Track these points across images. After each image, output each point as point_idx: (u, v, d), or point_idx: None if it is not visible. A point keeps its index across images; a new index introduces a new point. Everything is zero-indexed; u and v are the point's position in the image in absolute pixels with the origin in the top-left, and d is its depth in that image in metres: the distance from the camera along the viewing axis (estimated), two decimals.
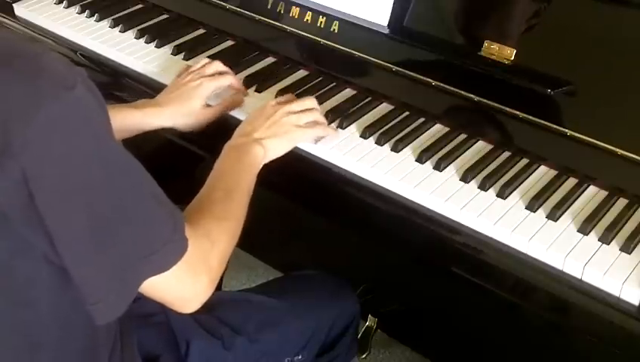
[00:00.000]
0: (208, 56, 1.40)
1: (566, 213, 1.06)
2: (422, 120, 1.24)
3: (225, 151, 1.10)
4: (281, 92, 1.29)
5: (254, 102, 1.27)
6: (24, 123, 0.68)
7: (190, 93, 1.22)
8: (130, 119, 1.18)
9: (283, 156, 1.20)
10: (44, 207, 0.72)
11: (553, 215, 1.05)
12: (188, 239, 0.84)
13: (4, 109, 0.69)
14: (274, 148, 1.13)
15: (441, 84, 1.22)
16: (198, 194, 1.01)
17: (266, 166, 1.21)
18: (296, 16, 1.38)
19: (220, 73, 1.28)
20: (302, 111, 1.17)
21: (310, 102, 1.20)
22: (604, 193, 1.10)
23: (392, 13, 1.29)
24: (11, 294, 0.80)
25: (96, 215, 0.75)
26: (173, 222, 0.82)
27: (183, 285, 0.87)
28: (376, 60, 1.29)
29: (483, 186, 1.10)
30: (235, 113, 1.26)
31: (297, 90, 1.30)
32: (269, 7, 1.41)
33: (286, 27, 1.39)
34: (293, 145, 1.16)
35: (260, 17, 1.43)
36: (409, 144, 1.19)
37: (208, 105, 1.24)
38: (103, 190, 0.75)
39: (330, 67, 1.34)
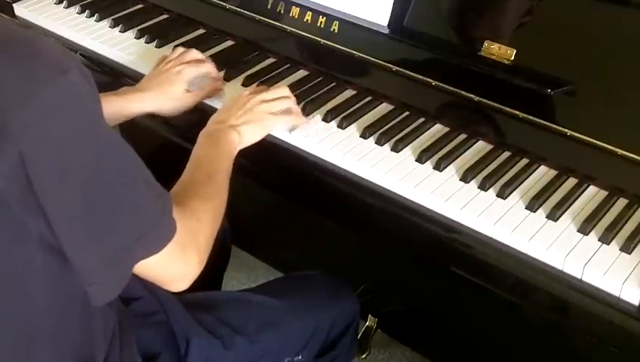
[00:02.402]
0: (208, 57, 1.40)
1: (566, 213, 1.06)
2: (422, 120, 1.24)
3: (201, 138, 1.12)
4: None
5: None
6: (21, 107, 0.70)
7: (172, 78, 1.25)
8: (114, 106, 1.20)
9: (282, 155, 1.20)
10: (41, 190, 0.73)
11: (553, 215, 1.05)
12: (176, 220, 0.86)
13: (1, 94, 0.70)
14: (248, 135, 1.15)
15: (441, 84, 1.22)
16: (180, 179, 1.03)
17: (266, 166, 1.21)
18: (296, 16, 1.38)
19: (198, 60, 1.30)
20: (275, 99, 1.20)
21: (282, 90, 1.23)
22: (604, 193, 1.10)
23: (392, 13, 1.29)
24: (8, 283, 0.81)
25: (90, 198, 0.76)
26: (162, 204, 0.85)
27: (174, 264, 0.89)
28: (376, 60, 1.29)
29: (483, 186, 1.10)
30: (218, 105, 1.27)
31: (298, 90, 1.30)
32: (269, 7, 1.41)
33: (286, 27, 1.39)
34: (267, 131, 1.19)
35: (260, 17, 1.43)
36: (409, 144, 1.19)
37: (189, 92, 1.27)
38: (97, 173, 0.76)
39: (330, 67, 1.34)
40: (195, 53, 1.31)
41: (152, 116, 1.32)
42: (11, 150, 0.70)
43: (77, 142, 0.74)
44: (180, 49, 1.33)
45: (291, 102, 1.22)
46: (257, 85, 1.32)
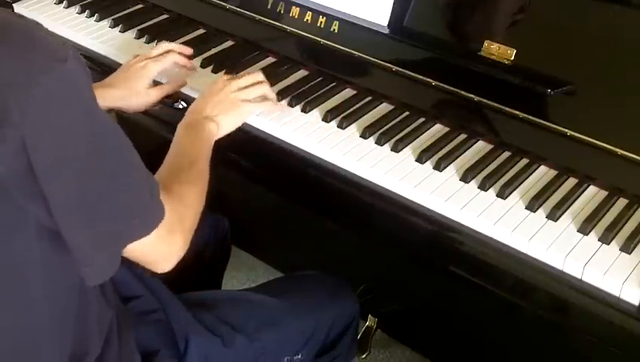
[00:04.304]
0: (208, 56, 1.41)
1: (566, 213, 1.06)
2: (422, 120, 1.24)
3: (180, 129, 1.14)
4: (281, 92, 1.29)
5: None
6: (22, 94, 0.71)
7: (136, 73, 1.28)
8: None
9: (282, 155, 1.20)
10: (42, 175, 0.74)
11: (553, 215, 1.05)
12: (164, 203, 0.88)
13: (2, 83, 0.71)
14: (225, 124, 1.17)
15: (441, 84, 1.22)
16: (162, 166, 1.05)
17: (266, 166, 1.21)
18: (296, 16, 1.38)
19: (164, 53, 1.32)
20: (250, 85, 1.22)
21: (256, 75, 1.25)
22: (604, 193, 1.10)
23: (392, 13, 1.29)
24: (7, 272, 0.82)
25: (87, 182, 0.78)
26: (150, 188, 0.87)
27: (161, 246, 0.91)
28: (376, 60, 1.29)
29: (483, 186, 1.10)
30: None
31: (297, 90, 1.30)
32: (269, 7, 1.41)
33: (286, 27, 1.39)
34: (244, 119, 1.21)
35: (260, 17, 1.43)
36: (409, 144, 1.19)
37: (159, 83, 1.29)
38: (94, 157, 0.78)
39: (330, 67, 1.34)
40: (163, 46, 1.34)
41: (151, 116, 1.33)
42: (14, 136, 0.71)
43: (75, 128, 0.76)
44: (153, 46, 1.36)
45: (266, 88, 1.24)
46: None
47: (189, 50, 1.37)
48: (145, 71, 1.28)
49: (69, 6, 1.58)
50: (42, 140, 0.73)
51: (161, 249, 0.91)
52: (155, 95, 1.28)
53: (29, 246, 0.81)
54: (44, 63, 0.72)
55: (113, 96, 1.25)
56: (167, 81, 1.31)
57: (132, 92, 1.26)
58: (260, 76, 1.25)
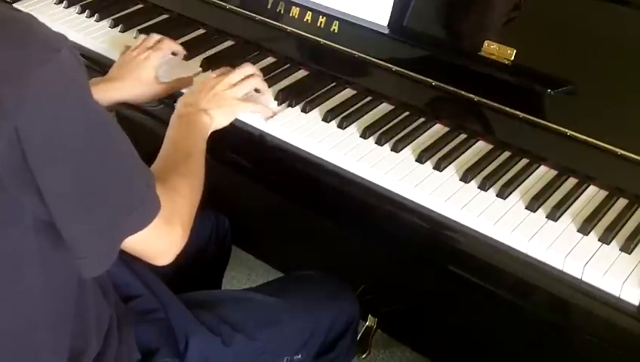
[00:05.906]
0: (208, 57, 1.41)
1: (566, 213, 1.06)
2: (422, 120, 1.24)
3: (174, 120, 1.15)
4: (281, 92, 1.29)
5: None
6: (17, 85, 0.71)
7: (140, 64, 1.29)
8: None
9: (282, 155, 1.20)
10: (36, 166, 0.74)
11: (553, 215, 1.05)
12: (160, 196, 0.88)
13: None
14: (219, 119, 1.18)
15: (441, 84, 1.22)
16: (157, 158, 1.06)
17: (265, 166, 1.21)
18: (296, 16, 1.38)
19: (159, 42, 1.35)
20: (241, 80, 1.23)
21: (248, 69, 1.26)
22: (604, 193, 1.10)
23: (392, 13, 1.29)
24: (4, 265, 0.82)
25: (82, 173, 0.78)
26: (146, 180, 0.87)
27: (160, 238, 0.91)
28: (376, 60, 1.29)
29: (483, 186, 1.10)
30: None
31: (297, 90, 1.30)
32: (269, 7, 1.41)
33: (286, 27, 1.39)
34: (235, 116, 1.22)
35: (260, 17, 1.43)
36: (409, 144, 1.19)
37: (159, 79, 1.31)
38: (88, 148, 0.78)
39: (330, 67, 1.34)
40: (154, 37, 1.35)
41: (151, 116, 1.33)
42: (8, 127, 0.71)
43: (70, 118, 0.76)
44: (142, 37, 1.37)
45: (257, 81, 1.25)
46: None
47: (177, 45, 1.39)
48: (148, 61, 1.30)
49: (69, 6, 1.58)
50: (36, 131, 0.73)
51: (160, 241, 0.91)
52: (162, 87, 1.29)
53: (27, 239, 0.81)
54: (38, 55, 0.72)
55: (120, 89, 1.25)
56: (171, 76, 1.32)
57: (138, 83, 1.27)
58: (250, 69, 1.26)
